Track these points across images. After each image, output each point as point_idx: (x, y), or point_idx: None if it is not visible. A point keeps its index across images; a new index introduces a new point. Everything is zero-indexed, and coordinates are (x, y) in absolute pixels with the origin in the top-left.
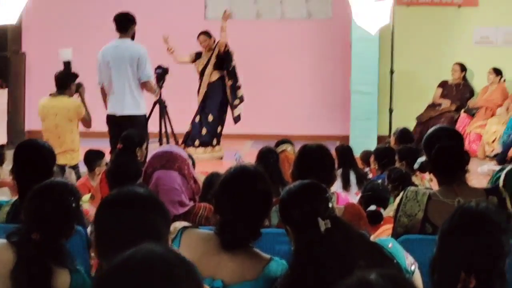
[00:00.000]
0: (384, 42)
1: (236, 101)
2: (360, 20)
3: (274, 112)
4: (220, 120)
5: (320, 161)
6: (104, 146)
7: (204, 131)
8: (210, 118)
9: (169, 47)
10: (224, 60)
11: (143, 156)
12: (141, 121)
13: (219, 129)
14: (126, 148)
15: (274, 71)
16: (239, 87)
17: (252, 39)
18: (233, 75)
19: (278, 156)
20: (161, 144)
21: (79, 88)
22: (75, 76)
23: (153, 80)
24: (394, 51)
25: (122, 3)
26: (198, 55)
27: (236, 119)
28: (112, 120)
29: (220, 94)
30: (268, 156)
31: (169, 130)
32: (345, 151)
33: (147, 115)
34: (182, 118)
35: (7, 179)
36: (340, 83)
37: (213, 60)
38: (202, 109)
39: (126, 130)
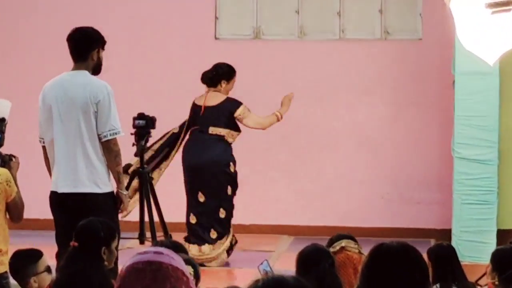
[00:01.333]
0: (509, 78)
1: None
2: (470, 43)
3: (325, 191)
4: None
5: (405, 269)
6: (47, 243)
7: None
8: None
9: None
10: None
11: (113, 260)
12: (105, 204)
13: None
14: (84, 248)
15: (325, 123)
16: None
17: (292, 70)
18: None
19: (333, 260)
20: (142, 241)
21: (8, 161)
22: None
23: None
24: None
25: (101, 15)
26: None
27: None
28: (57, 201)
29: None
30: (319, 261)
31: (155, 218)
32: (444, 254)
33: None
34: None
35: None
36: (435, 143)
37: None
38: None
39: (84, 219)
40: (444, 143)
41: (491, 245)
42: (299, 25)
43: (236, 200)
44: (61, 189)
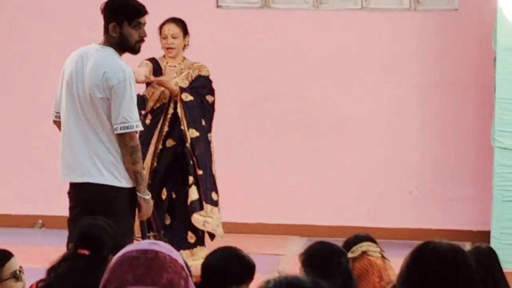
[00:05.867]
0: None
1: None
2: None
3: (343, 185)
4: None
5: (452, 274)
6: (18, 242)
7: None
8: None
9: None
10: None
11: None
12: (124, 202)
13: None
14: (96, 257)
15: (343, 107)
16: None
17: (305, 45)
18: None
19: (348, 261)
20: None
21: None
22: None
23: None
24: None
25: None
26: (156, 66)
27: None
28: (73, 192)
29: None
30: (330, 260)
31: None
32: (484, 259)
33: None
34: None
35: None
36: (472, 131)
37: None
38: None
39: (87, 222)
40: (483, 131)
41: None
42: None
43: (240, 196)
44: (74, 178)
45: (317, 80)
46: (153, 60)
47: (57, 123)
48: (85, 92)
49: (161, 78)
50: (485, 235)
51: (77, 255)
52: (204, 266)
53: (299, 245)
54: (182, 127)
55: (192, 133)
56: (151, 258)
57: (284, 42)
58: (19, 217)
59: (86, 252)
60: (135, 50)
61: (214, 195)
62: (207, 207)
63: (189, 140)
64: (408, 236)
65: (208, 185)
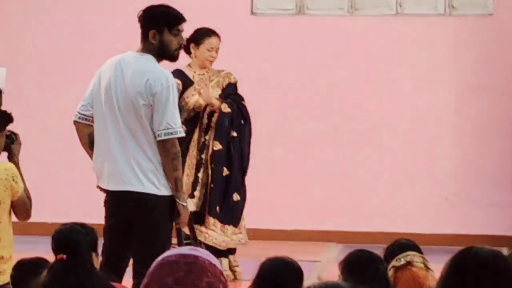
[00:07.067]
0: None
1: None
2: None
3: (380, 191)
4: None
5: (496, 281)
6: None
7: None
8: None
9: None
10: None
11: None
12: (164, 210)
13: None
14: (75, 259)
15: (379, 112)
16: None
17: (340, 51)
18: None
19: (385, 268)
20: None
21: (11, 143)
22: (7, 119)
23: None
24: None
25: None
26: (184, 78)
27: None
28: (111, 201)
29: None
30: (368, 267)
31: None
32: None
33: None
34: None
35: None
36: (509, 135)
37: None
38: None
39: (67, 226)
40: None
41: None
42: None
43: (276, 202)
44: (113, 187)
45: (353, 86)
46: (179, 73)
47: (80, 125)
48: (127, 100)
49: (211, 101)
50: None
51: (57, 263)
52: (258, 275)
53: (335, 251)
54: (207, 137)
55: (216, 145)
56: (191, 262)
57: (318, 49)
58: (55, 226)
59: (63, 256)
60: (174, 57)
61: (219, 208)
62: (210, 219)
63: (210, 152)
64: (445, 242)
65: (216, 198)
